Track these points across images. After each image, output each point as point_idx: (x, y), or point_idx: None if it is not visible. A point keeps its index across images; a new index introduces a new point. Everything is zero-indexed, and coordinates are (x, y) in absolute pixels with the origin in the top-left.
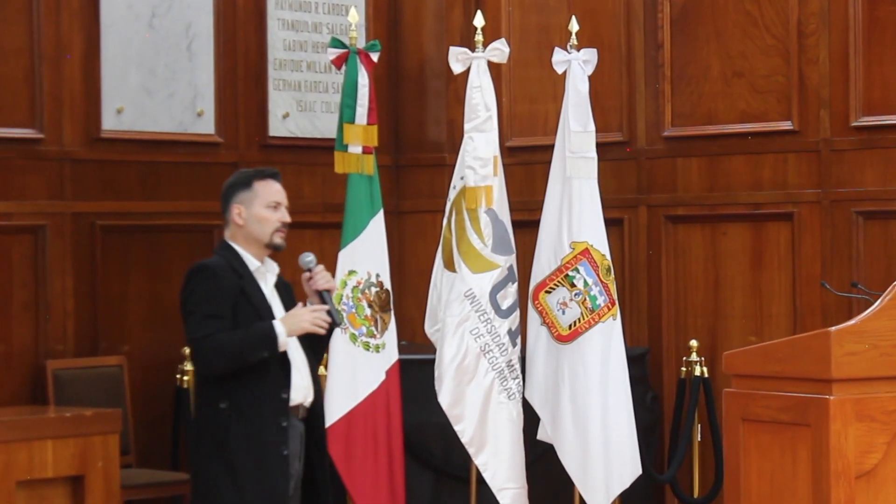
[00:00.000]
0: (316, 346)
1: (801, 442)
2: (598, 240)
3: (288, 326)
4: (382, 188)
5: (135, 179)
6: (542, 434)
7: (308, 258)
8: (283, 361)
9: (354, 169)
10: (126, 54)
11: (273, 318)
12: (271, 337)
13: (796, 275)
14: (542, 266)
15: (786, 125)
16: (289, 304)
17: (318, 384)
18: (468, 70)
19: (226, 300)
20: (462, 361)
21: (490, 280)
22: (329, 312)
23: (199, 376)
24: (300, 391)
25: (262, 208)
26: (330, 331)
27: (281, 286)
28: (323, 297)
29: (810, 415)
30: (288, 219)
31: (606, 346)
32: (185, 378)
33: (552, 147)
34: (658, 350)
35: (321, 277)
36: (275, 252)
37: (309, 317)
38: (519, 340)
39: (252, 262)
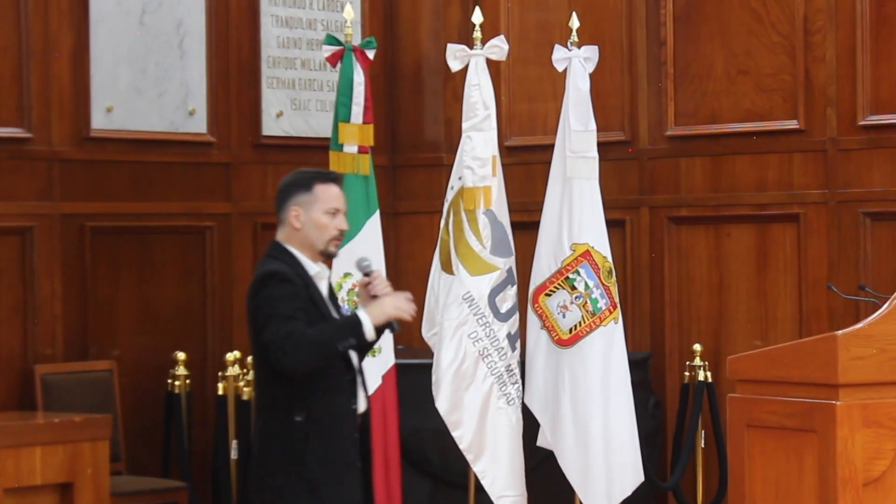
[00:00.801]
0: (358, 353)
1: (808, 448)
2: (600, 241)
3: (371, 314)
4: (378, 189)
5: (125, 180)
6: (542, 440)
7: (366, 262)
8: (350, 370)
9: (350, 169)
10: (116, 52)
11: (335, 318)
12: (357, 324)
13: (802, 277)
14: (542, 268)
15: (791, 124)
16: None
17: (366, 389)
18: (466, 68)
19: (300, 304)
20: (460, 366)
21: (489, 283)
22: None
23: (266, 388)
24: (361, 399)
25: (322, 214)
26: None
27: (331, 293)
28: None
29: (816, 421)
30: (345, 226)
31: (608, 350)
32: (177, 383)
33: (552, 147)
34: (661, 354)
35: (378, 283)
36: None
37: (391, 301)
38: (518, 344)
39: (311, 266)
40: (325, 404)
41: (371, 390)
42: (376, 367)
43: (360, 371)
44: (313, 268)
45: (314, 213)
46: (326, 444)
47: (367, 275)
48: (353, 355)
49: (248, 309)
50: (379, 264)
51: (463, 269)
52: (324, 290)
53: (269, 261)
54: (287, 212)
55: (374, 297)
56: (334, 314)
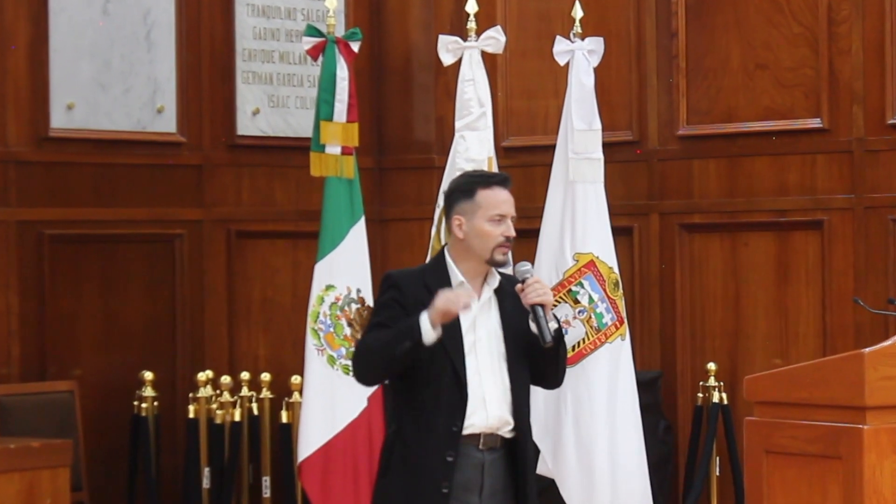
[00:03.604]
0: (539, 363)
1: (832, 476)
2: (605, 251)
3: (430, 310)
4: (364, 193)
5: (87, 184)
6: (543, 468)
7: (524, 268)
8: (460, 385)
9: (333, 172)
10: (77, 44)
11: (461, 341)
12: (415, 326)
13: (826, 290)
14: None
15: (814, 123)
16: (511, 311)
17: (527, 411)
18: (459, 61)
19: (400, 312)
20: None
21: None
22: (540, 330)
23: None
24: (487, 419)
25: (485, 222)
26: (554, 347)
27: (505, 292)
28: (535, 312)
29: (842, 446)
30: (512, 233)
31: (614, 369)
32: (144, 405)
33: (553, 148)
34: (672, 374)
35: (532, 290)
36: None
37: (443, 295)
38: None
39: (457, 276)
40: (414, 420)
41: (355, 414)
42: (362, 388)
43: (522, 390)
44: (458, 278)
45: (476, 222)
46: (409, 461)
47: (522, 282)
48: (489, 371)
49: None
50: (364, 275)
51: None
52: (477, 301)
53: (418, 266)
54: (451, 221)
55: (532, 305)
56: (487, 322)
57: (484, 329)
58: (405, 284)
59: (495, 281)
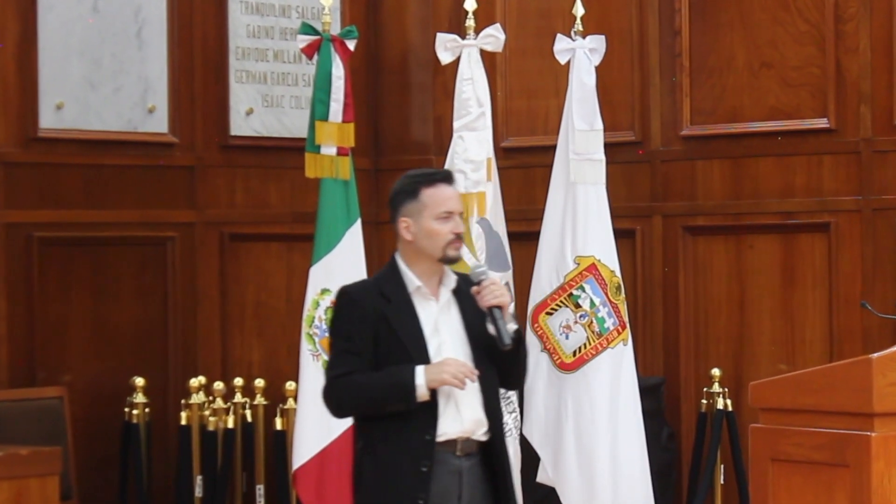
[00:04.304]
0: (500, 364)
1: (839, 485)
2: (607, 254)
3: (429, 376)
4: (360, 195)
5: (77, 185)
6: (543, 476)
7: (479, 269)
8: (431, 396)
9: (328, 173)
10: (67, 42)
11: (425, 346)
12: (409, 388)
13: (833, 294)
14: (543, 284)
15: (821, 123)
16: (471, 311)
17: (499, 412)
18: (458, 60)
19: (366, 332)
20: None
21: None
22: (498, 332)
23: None
24: (461, 423)
25: (432, 221)
26: (513, 349)
27: (462, 293)
28: (492, 314)
29: (849, 454)
30: (461, 228)
31: (616, 375)
32: (135, 412)
33: (554, 148)
34: (675, 380)
35: (488, 292)
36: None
37: (453, 368)
38: None
39: (413, 281)
40: (384, 433)
41: (351, 421)
42: None
43: (492, 392)
44: (414, 283)
45: (424, 222)
46: (382, 476)
47: (478, 283)
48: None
49: None
50: (360, 278)
51: None
52: (437, 303)
53: (371, 277)
54: (397, 225)
55: (489, 308)
56: (448, 325)
57: (447, 331)
58: (363, 298)
59: (452, 281)
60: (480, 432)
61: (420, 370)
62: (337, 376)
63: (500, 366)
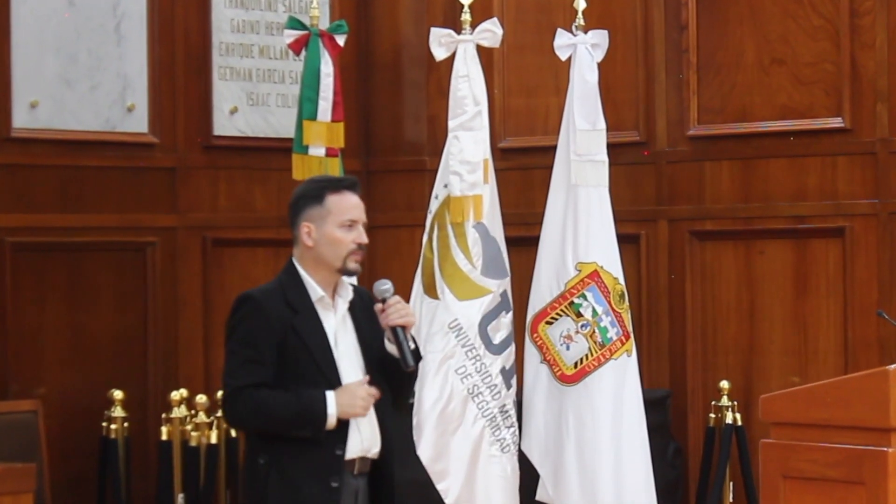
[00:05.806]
0: (394, 384)
1: (854, 503)
2: (610, 260)
3: (340, 406)
4: None
5: (52, 188)
6: (543, 494)
7: (384, 286)
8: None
9: (316, 175)
10: (41, 38)
11: (333, 359)
12: (320, 417)
13: (848, 302)
14: (542, 292)
15: (835, 122)
16: (367, 327)
17: (388, 431)
18: (453, 56)
19: (270, 341)
20: (445, 406)
21: (479, 309)
22: (402, 353)
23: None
24: (361, 442)
25: (335, 228)
26: (411, 372)
27: (357, 307)
28: (396, 333)
29: (865, 471)
30: (364, 239)
31: (619, 387)
32: (113, 427)
33: (554, 149)
34: (682, 393)
35: (394, 311)
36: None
37: (363, 402)
38: (514, 381)
39: (316, 290)
40: (291, 447)
41: None
42: None
43: (385, 410)
44: (318, 292)
45: (327, 228)
46: (290, 491)
47: (383, 301)
48: None
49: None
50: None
51: (449, 292)
52: (336, 316)
53: (271, 282)
54: (298, 229)
55: (392, 328)
56: (346, 342)
57: (344, 345)
58: (268, 306)
59: (349, 293)
60: (374, 451)
61: (331, 400)
62: (241, 387)
63: (392, 385)
